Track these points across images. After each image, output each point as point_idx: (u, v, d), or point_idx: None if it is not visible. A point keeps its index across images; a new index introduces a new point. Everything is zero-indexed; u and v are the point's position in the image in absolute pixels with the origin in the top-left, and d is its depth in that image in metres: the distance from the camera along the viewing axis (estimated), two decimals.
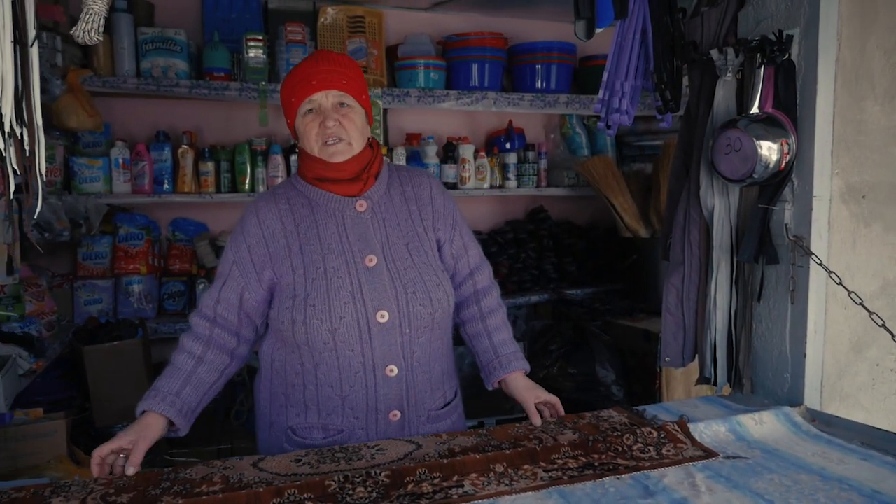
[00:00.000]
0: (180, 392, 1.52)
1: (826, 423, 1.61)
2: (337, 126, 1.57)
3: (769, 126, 1.65)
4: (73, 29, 1.20)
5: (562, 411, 1.65)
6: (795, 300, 1.72)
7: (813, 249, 1.67)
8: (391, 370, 1.56)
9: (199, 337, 1.59)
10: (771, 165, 1.64)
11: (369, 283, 1.55)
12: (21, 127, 1.15)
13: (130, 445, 1.42)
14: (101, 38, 1.19)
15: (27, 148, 1.17)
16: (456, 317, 1.75)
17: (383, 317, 1.54)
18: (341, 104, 1.59)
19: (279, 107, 3.46)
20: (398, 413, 1.60)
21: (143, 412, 1.49)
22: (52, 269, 3.18)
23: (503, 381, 1.71)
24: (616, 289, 3.97)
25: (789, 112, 1.67)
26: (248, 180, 3.35)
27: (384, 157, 1.72)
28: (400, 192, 1.68)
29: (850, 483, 1.29)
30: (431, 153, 3.69)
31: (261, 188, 3.36)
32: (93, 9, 1.17)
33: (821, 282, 1.70)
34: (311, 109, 1.59)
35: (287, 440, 1.62)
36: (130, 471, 1.37)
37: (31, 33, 1.16)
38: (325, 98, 1.58)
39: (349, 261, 1.57)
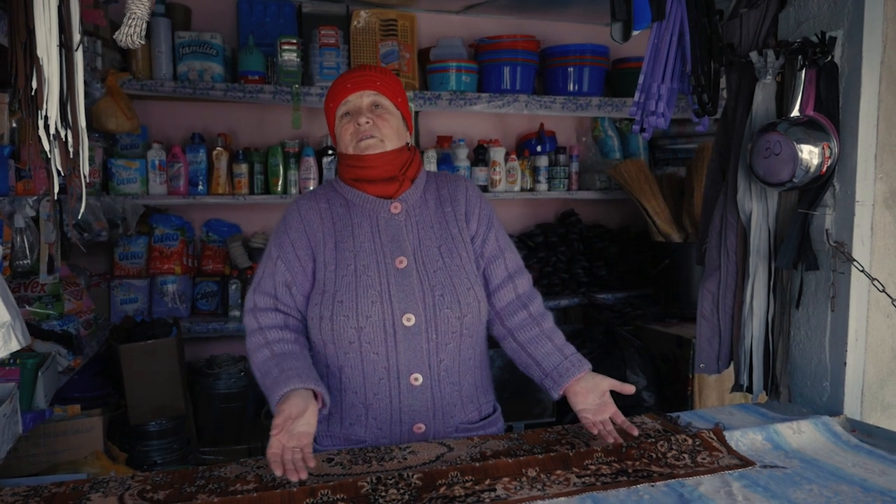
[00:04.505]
0: (306, 367, 1.49)
1: (867, 434, 1.58)
2: (370, 125, 1.59)
3: (810, 129, 1.62)
4: (117, 33, 1.22)
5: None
6: (836, 307, 1.68)
7: (855, 255, 1.64)
8: (416, 378, 1.55)
9: (274, 324, 1.56)
10: (812, 170, 1.61)
11: (398, 284, 1.55)
12: (65, 129, 1.17)
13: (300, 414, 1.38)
14: (143, 42, 1.21)
15: (71, 150, 1.19)
16: (501, 327, 1.68)
17: (409, 320, 1.53)
18: (376, 105, 1.61)
19: (312, 109, 3.55)
20: (423, 426, 1.57)
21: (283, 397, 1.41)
22: (90, 269, 3.24)
23: (575, 381, 1.55)
24: (647, 293, 3.94)
25: (831, 115, 1.64)
26: (280, 182, 3.38)
27: (422, 163, 1.74)
28: (435, 196, 1.68)
29: (893, 495, 1.26)
30: (462, 156, 3.69)
31: (293, 190, 3.39)
32: (136, 13, 1.19)
33: (862, 289, 1.67)
34: (347, 113, 1.62)
35: None
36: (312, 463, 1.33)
37: (76, 37, 1.18)
38: (360, 98, 1.61)
39: (379, 261, 1.58)
